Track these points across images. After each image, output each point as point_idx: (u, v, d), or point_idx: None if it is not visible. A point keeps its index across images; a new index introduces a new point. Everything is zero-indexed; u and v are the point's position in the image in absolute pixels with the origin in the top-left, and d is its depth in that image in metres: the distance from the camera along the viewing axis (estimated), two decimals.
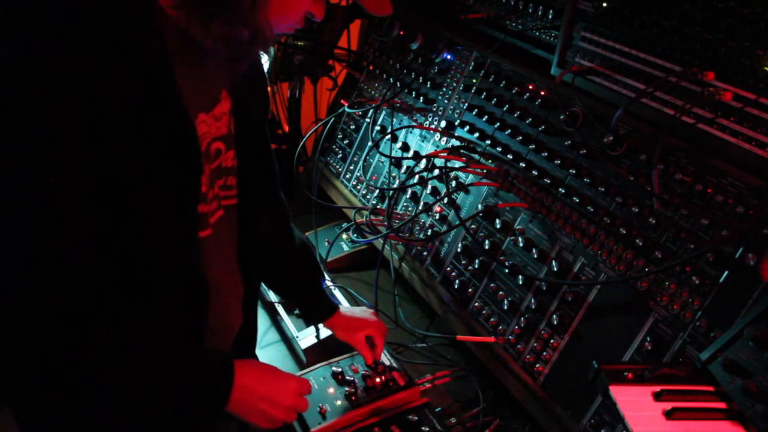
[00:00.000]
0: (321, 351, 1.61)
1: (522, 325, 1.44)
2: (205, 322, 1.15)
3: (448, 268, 1.68)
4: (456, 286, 1.63)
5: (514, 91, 1.61)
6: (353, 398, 1.41)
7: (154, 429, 1.10)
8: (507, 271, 1.49)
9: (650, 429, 0.92)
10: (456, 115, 1.79)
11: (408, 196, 1.88)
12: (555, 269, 1.39)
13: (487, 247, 1.56)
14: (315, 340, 1.63)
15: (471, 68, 1.78)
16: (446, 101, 1.85)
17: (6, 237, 0.85)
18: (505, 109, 1.63)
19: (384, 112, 2.07)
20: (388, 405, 1.41)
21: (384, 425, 1.36)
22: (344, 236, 2.07)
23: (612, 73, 1.30)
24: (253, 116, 1.23)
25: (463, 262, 1.64)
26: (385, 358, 1.54)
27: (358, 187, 2.12)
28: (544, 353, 1.38)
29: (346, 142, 2.23)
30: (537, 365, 1.39)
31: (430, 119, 1.89)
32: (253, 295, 1.39)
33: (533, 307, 1.42)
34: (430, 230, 1.77)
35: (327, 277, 1.87)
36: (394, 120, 2.01)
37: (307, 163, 2.45)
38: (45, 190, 0.84)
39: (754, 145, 1.07)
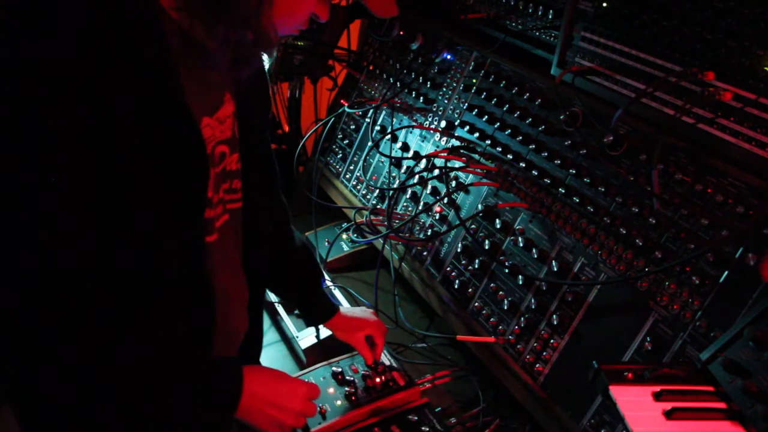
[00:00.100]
0: (321, 351, 1.61)
1: (522, 325, 1.44)
2: (212, 328, 1.14)
3: (448, 268, 1.68)
4: (456, 286, 1.63)
5: (514, 91, 1.61)
6: (353, 398, 1.41)
7: None
8: (507, 271, 1.49)
9: (650, 429, 0.92)
10: (456, 115, 1.79)
11: (408, 196, 1.88)
12: (555, 269, 1.39)
13: (487, 247, 1.56)
14: (315, 340, 1.63)
15: (471, 68, 1.78)
16: (446, 101, 1.85)
17: (7, 238, 0.85)
18: (505, 109, 1.63)
19: (384, 112, 2.07)
20: (388, 405, 1.41)
21: (384, 425, 1.36)
22: (344, 236, 2.07)
23: (612, 73, 1.30)
24: (257, 118, 1.22)
25: (463, 262, 1.64)
26: (385, 358, 1.54)
27: (358, 187, 2.12)
28: (544, 353, 1.38)
29: (346, 142, 2.23)
30: (537, 365, 1.39)
31: (430, 119, 1.89)
32: (259, 299, 1.38)
33: (533, 307, 1.42)
34: (430, 230, 1.77)
35: (327, 277, 1.87)
36: (394, 120, 2.01)
37: (307, 163, 2.45)
38: (46, 192, 0.84)
39: (754, 145, 1.07)
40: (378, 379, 1.46)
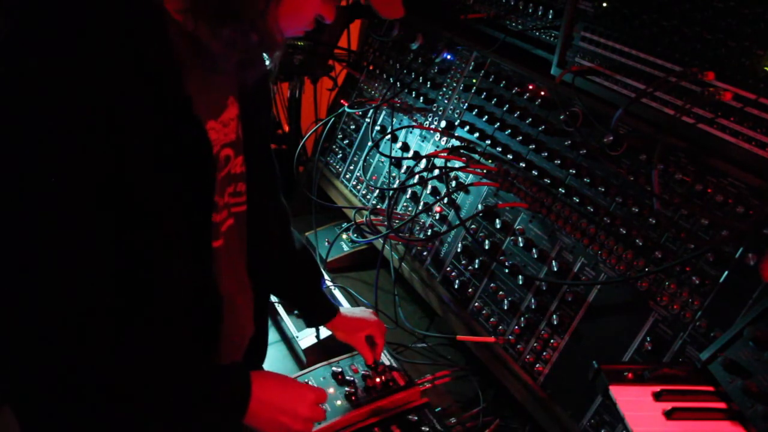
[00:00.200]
0: (321, 351, 1.61)
1: (522, 325, 1.44)
2: (219, 333, 1.14)
3: (448, 268, 1.68)
4: (456, 286, 1.63)
5: (514, 91, 1.61)
6: (353, 398, 1.41)
7: None
8: (507, 271, 1.49)
9: (650, 429, 0.92)
10: (456, 115, 1.79)
11: (408, 196, 1.88)
12: (555, 269, 1.39)
13: (487, 247, 1.56)
14: (315, 340, 1.63)
15: (471, 68, 1.78)
16: (446, 101, 1.85)
17: (12, 239, 0.84)
18: (505, 109, 1.63)
19: (384, 112, 2.07)
20: (388, 405, 1.41)
21: (384, 425, 1.36)
22: (344, 236, 2.07)
23: (612, 73, 1.30)
24: (259, 120, 1.21)
25: (463, 262, 1.64)
26: (385, 358, 1.54)
27: (358, 187, 2.12)
28: (544, 353, 1.38)
29: (346, 142, 2.23)
30: (537, 365, 1.39)
31: (430, 119, 1.89)
32: (263, 303, 1.37)
33: (533, 307, 1.42)
34: (430, 230, 1.77)
35: (327, 277, 1.87)
36: (394, 120, 2.01)
37: (307, 163, 2.45)
38: (52, 195, 0.83)
39: (754, 145, 1.07)
40: (378, 379, 1.46)
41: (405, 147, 1.93)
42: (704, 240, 1.16)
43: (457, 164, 1.66)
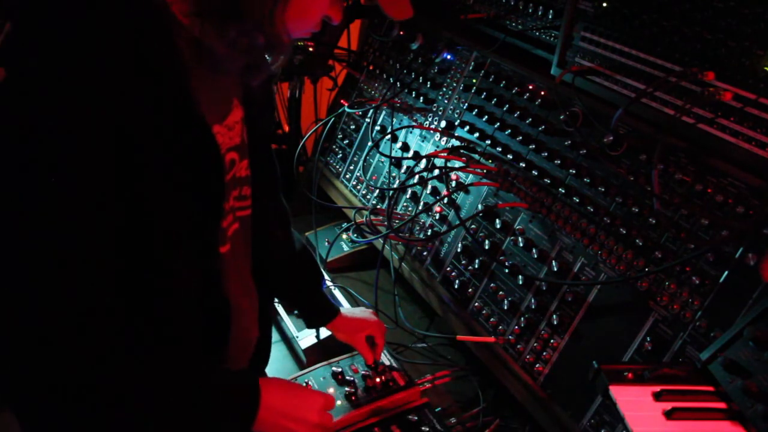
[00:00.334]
0: (321, 351, 1.61)
1: (522, 325, 1.44)
2: (227, 339, 1.13)
3: (448, 268, 1.68)
4: (456, 286, 1.63)
5: (514, 91, 1.61)
6: (353, 398, 1.41)
7: None
8: (507, 271, 1.49)
9: (650, 429, 0.92)
10: (456, 115, 1.79)
11: (408, 196, 1.88)
12: (555, 269, 1.39)
13: (487, 247, 1.56)
14: (315, 340, 1.63)
15: (471, 68, 1.78)
16: (446, 101, 1.85)
17: (23, 244, 0.83)
18: (505, 109, 1.63)
19: (384, 112, 2.07)
20: (388, 405, 1.41)
21: (384, 425, 1.36)
22: (344, 236, 2.07)
23: (612, 73, 1.30)
24: (263, 122, 1.21)
25: (463, 262, 1.64)
26: (385, 358, 1.54)
27: (358, 187, 2.12)
28: (544, 353, 1.38)
29: (346, 142, 2.23)
30: (537, 365, 1.39)
31: (430, 119, 1.89)
32: (267, 306, 1.37)
33: (533, 307, 1.42)
34: (430, 230, 1.77)
35: (327, 277, 1.87)
36: (394, 120, 2.01)
37: (307, 163, 2.45)
38: (63, 201, 0.83)
39: (754, 145, 1.07)
40: (378, 379, 1.46)
41: (405, 147, 1.93)
42: (704, 240, 1.16)
43: (457, 164, 1.66)
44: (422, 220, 1.81)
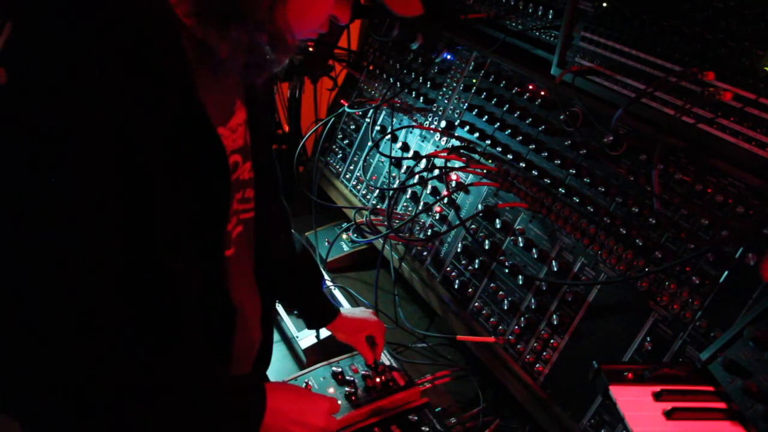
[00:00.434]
0: (321, 351, 1.61)
1: (522, 325, 1.44)
2: (232, 343, 1.13)
3: (448, 268, 1.68)
4: (456, 286, 1.63)
5: (514, 91, 1.61)
6: (353, 398, 1.41)
7: None
8: (507, 271, 1.49)
9: (650, 429, 0.92)
10: (456, 115, 1.79)
11: (408, 196, 1.88)
12: (555, 269, 1.39)
13: (487, 247, 1.56)
14: (315, 340, 1.63)
15: (471, 68, 1.78)
16: (446, 101, 1.85)
17: (27, 247, 0.83)
18: (505, 109, 1.63)
19: (384, 112, 2.07)
20: (388, 405, 1.41)
21: (384, 425, 1.36)
22: (344, 236, 2.07)
23: (612, 73, 1.30)
24: (265, 124, 1.20)
25: (463, 262, 1.64)
26: (385, 358, 1.54)
27: (358, 187, 2.12)
28: (544, 353, 1.38)
29: (346, 142, 2.23)
30: (537, 365, 1.39)
31: (430, 119, 1.89)
32: (269, 309, 1.36)
33: (533, 307, 1.42)
34: (430, 230, 1.77)
35: (327, 277, 1.87)
36: (394, 120, 2.01)
37: (307, 163, 2.45)
38: (69, 204, 0.82)
39: (754, 145, 1.07)
40: (378, 379, 1.46)
41: (405, 147, 1.93)
42: (704, 240, 1.16)
43: (457, 164, 1.66)
44: (422, 220, 1.81)
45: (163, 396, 0.98)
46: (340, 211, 2.17)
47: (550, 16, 1.51)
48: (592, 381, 1.02)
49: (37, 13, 0.81)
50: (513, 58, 1.66)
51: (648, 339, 1.20)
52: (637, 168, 1.28)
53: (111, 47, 0.81)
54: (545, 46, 1.54)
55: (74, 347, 0.88)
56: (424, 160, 1.81)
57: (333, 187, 2.22)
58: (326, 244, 2.02)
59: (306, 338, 1.64)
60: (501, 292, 1.51)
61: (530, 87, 1.57)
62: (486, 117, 1.67)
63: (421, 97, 1.91)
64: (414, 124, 1.92)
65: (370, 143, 2.09)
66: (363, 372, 1.49)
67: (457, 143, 1.74)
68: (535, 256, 1.44)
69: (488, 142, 1.64)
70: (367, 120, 2.13)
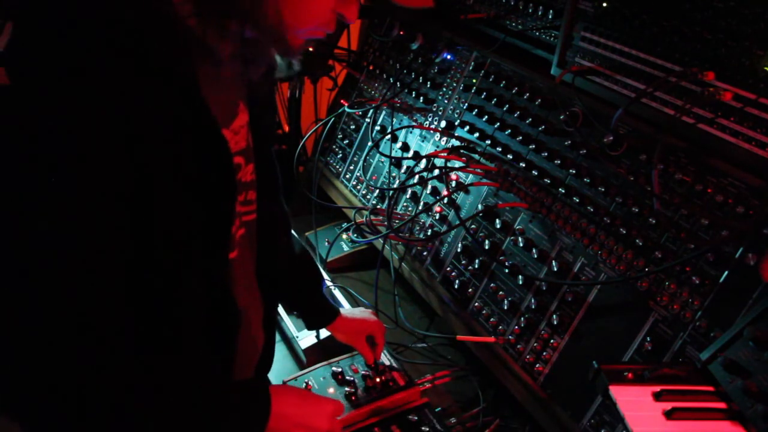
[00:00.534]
0: (321, 351, 1.61)
1: (522, 325, 1.44)
2: (235, 345, 1.13)
3: (448, 268, 1.68)
4: (456, 286, 1.63)
5: (514, 91, 1.61)
6: (353, 398, 1.41)
7: None
8: (507, 271, 1.49)
9: (650, 429, 0.92)
10: (456, 115, 1.79)
11: (408, 196, 1.88)
12: (555, 269, 1.39)
13: (487, 247, 1.56)
14: (315, 340, 1.63)
15: (471, 68, 1.78)
16: (446, 101, 1.85)
17: (27, 252, 0.82)
18: (505, 109, 1.63)
19: (384, 112, 2.07)
20: (388, 405, 1.41)
21: (384, 425, 1.36)
22: (344, 236, 2.07)
23: (612, 73, 1.30)
24: (266, 126, 1.20)
25: (463, 262, 1.64)
26: (385, 358, 1.54)
27: (358, 187, 2.12)
28: (544, 353, 1.38)
29: (346, 142, 2.23)
30: (537, 365, 1.39)
31: (430, 119, 1.89)
32: (273, 313, 1.36)
33: (533, 307, 1.42)
34: (430, 230, 1.77)
35: (327, 277, 1.87)
36: (394, 120, 2.01)
37: (307, 163, 2.45)
38: (74, 207, 0.81)
39: (754, 145, 1.07)
40: (378, 379, 1.46)
41: (405, 147, 1.93)
42: (704, 240, 1.16)
43: (457, 164, 1.66)
44: (422, 220, 1.81)
45: (165, 399, 0.97)
46: (340, 211, 2.17)
47: (550, 16, 1.51)
48: (592, 381, 1.02)
49: (38, 13, 0.81)
50: (513, 58, 1.66)
51: (648, 339, 1.20)
52: (637, 168, 1.28)
53: (112, 47, 0.80)
54: (545, 46, 1.54)
55: (75, 348, 0.88)
56: (424, 160, 1.81)
57: (333, 187, 2.22)
58: (326, 244, 2.02)
59: (306, 338, 1.64)
60: (501, 292, 1.52)
61: (530, 87, 1.57)
62: (486, 117, 1.67)
63: (421, 97, 1.91)
64: (414, 124, 1.93)
65: (370, 143, 2.09)
66: (363, 372, 1.49)
67: (457, 143, 1.74)
68: (535, 256, 1.44)
69: (488, 142, 1.64)
70: (367, 120, 2.13)
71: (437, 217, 1.77)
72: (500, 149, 1.60)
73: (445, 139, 1.81)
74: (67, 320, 0.86)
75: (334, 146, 2.29)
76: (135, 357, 0.94)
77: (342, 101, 2.21)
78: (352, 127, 2.24)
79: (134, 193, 0.85)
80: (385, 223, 1.76)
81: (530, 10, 1.57)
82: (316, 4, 0.95)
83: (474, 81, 1.76)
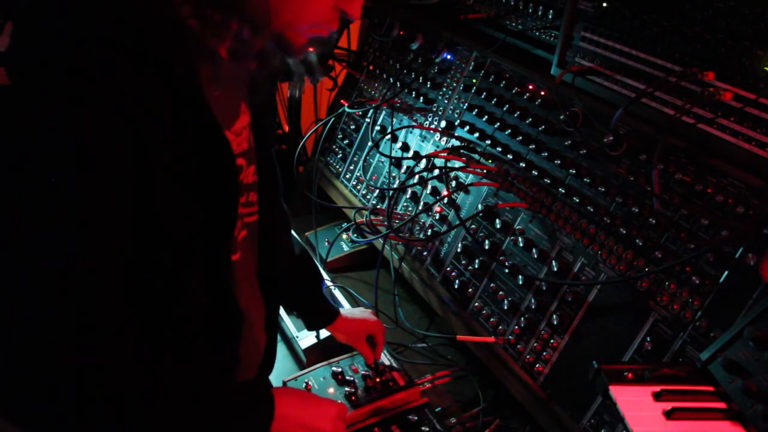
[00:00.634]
0: (321, 351, 1.61)
1: (522, 325, 1.44)
2: (238, 347, 1.12)
3: (448, 268, 1.68)
4: (456, 286, 1.63)
5: (514, 91, 1.61)
6: (353, 398, 1.41)
7: None
8: (507, 271, 1.49)
9: (650, 429, 0.92)
10: (456, 115, 1.79)
11: (408, 196, 1.88)
12: (555, 269, 1.39)
13: (487, 247, 1.56)
14: (315, 340, 1.63)
15: (471, 68, 1.78)
16: (446, 101, 1.85)
17: (28, 253, 0.82)
18: (505, 109, 1.63)
19: (384, 112, 2.07)
20: (388, 405, 1.41)
21: (384, 425, 1.36)
22: (344, 236, 2.07)
23: (612, 73, 1.30)
24: (267, 127, 1.19)
25: (463, 262, 1.64)
26: (385, 358, 1.54)
27: (358, 187, 2.12)
28: (544, 353, 1.38)
29: (346, 142, 2.23)
30: (537, 365, 1.39)
31: (430, 119, 1.89)
32: (275, 315, 1.35)
33: (533, 307, 1.42)
34: (430, 230, 1.77)
35: (327, 277, 1.87)
36: (394, 120, 2.01)
37: (307, 163, 2.45)
38: (76, 209, 0.81)
39: (754, 145, 1.07)
40: (378, 379, 1.46)
41: (405, 147, 1.93)
42: (704, 240, 1.16)
43: (457, 164, 1.66)
44: (422, 220, 1.81)
45: (167, 401, 0.97)
46: (340, 211, 2.17)
47: (550, 16, 1.51)
48: (592, 381, 1.02)
49: (38, 13, 0.80)
50: (513, 58, 1.66)
51: (648, 339, 1.20)
52: (637, 168, 1.28)
53: (112, 47, 0.80)
54: (545, 46, 1.54)
55: (75, 349, 0.88)
56: (424, 160, 1.81)
57: (333, 187, 2.22)
58: (326, 244, 2.02)
59: (306, 338, 1.64)
60: (501, 292, 1.51)
61: (530, 87, 1.57)
62: (486, 117, 1.67)
63: (421, 97, 1.91)
64: (414, 124, 1.93)
65: (370, 143, 2.09)
66: (363, 372, 1.49)
67: (457, 143, 1.74)
68: (535, 256, 1.44)
69: (488, 142, 1.64)
70: (367, 120, 2.13)
71: (437, 217, 1.77)
72: (500, 149, 1.60)
73: (445, 139, 1.81)
74: (68, 320, 0.86)
75: (334, 146, 2.29)
76: (137, 358, 0.93)
77: (342, 101, 2.21)
78: (352, 127, 2.24)
79: (135, 194, 0.85)
80: (385, 223, 1.76)
81: (530, 10, 1.57)
82: (315, 0, 0.93)
83: (474, 81, 1.76)
